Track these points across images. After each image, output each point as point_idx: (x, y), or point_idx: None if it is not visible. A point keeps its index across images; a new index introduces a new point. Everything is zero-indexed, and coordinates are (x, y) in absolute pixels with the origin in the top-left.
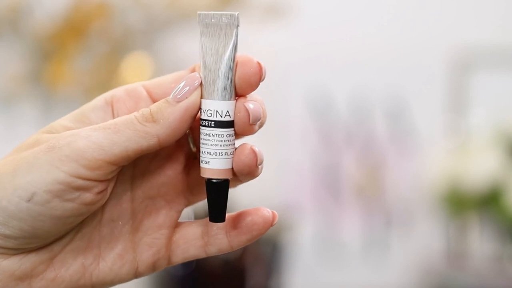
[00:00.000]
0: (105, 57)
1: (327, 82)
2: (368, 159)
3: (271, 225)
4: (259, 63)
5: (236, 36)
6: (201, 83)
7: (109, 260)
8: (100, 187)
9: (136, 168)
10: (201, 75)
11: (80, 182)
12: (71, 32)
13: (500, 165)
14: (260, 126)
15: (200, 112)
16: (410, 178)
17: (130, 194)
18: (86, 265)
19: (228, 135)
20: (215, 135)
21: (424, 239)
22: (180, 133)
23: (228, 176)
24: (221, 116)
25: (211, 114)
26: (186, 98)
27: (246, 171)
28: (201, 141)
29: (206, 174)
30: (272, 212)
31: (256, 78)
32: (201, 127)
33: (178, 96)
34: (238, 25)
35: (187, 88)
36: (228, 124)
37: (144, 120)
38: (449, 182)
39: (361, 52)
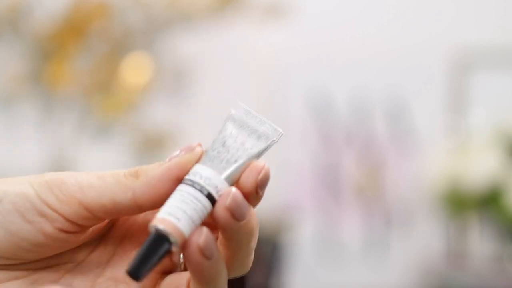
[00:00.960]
0: (105, 57)
1: (327, 82)
2: (368, 159)
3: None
4: (263, 165)
5: (268, 148)
6: (201, 152)
7: None
8: (65, 225)
9: (119, 248)
10: (210, 148)
11: (46, 209)
12: (71, 32)
13: (500, 165)
14: (242, 232)
15: (193, 174)
16: (410, 178)
17: (101, 271)
18: None
19: (208, 212)
20: (201, 203)
21: (424, 239)
22: (158, 194)
23: (181, 244)
24: (216, 194)
25: (209, 184)
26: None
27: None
28: (181, 197)
29: (166, 226)
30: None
31: (254, 176)
32: (188, 186)
33: (167, 159)
34: (275, 141)
35: (179, 152)
36: (213, 204)
37: (129, 174)
38: (449, 182)
39: (361, 52)
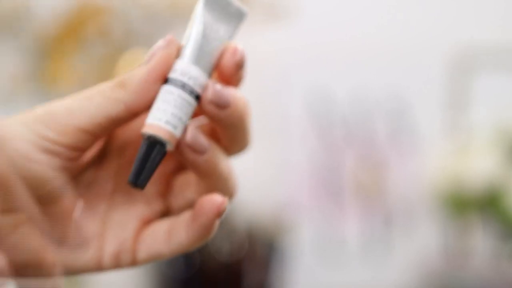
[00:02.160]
0: (105, 57)
1: (327, 82)
2: (368, 159)
3: (219, 209)
4: (236, 47)
5: (238, 28)
6: (179, 45)
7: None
8: (69, 154)
9: (123, 159)
10: (192, 40)
11: (47, 144)
12: (71, 32)
13: (500, 165)
14: (232, 119)
15: (181, 74)
16: (411, 178)
17: (113, 184)
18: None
19: (193, 108)
20: (191, 105)
21: (424, 239)
22: (148, 97)
23: (173, 145)
24: (201, 90)
25: (195, 84)
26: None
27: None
28: (174, 102)
29: (154, 131)
30: (223, 198)
31: (233, 60)
32: (177, 88)
33: (145, 58)
34: (242, 21)
35: (156, 49)
36: (199, 99)
37: (114, 86)
38: (449, 182)
39: (361, 52)
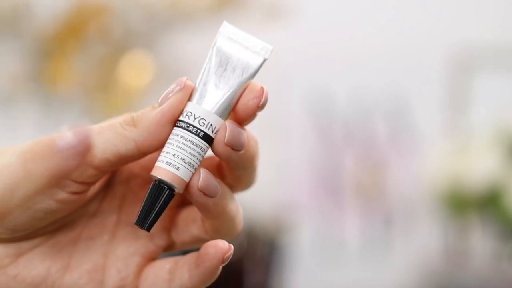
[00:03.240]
0: (105, 57)
1: (327, 82)
2: (368, 158)
3: (224, 256)
4: (262, 88)
5: (260, 67)
6: (193, 88)
7: (76, 273)
8: (75, 187)
9: (128, 190)
10: (202, 81)
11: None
12: (71, 32)
13: (500, 165)
14: (243, 161)
15: (187, 115)
16: (410, 178)
17: (116, 216)
18: (51, 271)
19: (205, 152)
20: (198, 146)
21: (424, 239)
22: (159, 139)
23: (182, 189)
24: (212, 132)
25: (204, 124)
26: (166, 102)
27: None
28: (177, 143)
29: (165, 177)
30: (229, 245)
31: (255, 102)
32: (182, 130)
33: (159, 101)
34: (266, 59)
35: (170, 92)
36: (212, 142)
37: (126, 124)
38: (449, 182)
39: (361, 52)
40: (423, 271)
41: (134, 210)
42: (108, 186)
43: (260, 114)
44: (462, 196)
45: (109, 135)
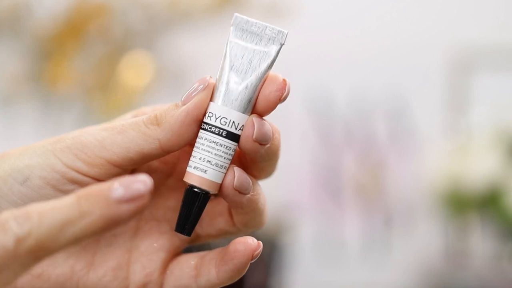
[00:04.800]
0: (105, 57)
1: (327, 82)
2: (368, 159)
3: (254, 254)
4: (284, 80)
5: (278, 54)
6: (213, 86)
7: (101, 271)
8: None
9: None
10: (221, 79)
11: (76, 175)
12: (71, 32)
13: (500, 165)
14: (268, 153)
15: (209, 116)
16: (410, 178)
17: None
18: (75, 269)
19: (233, 149)
20: (223, 146)
21: (424, 239)
22: (183, 138)
23: (216, 190)
24: (235, 129)
25: (225, 123)
26: (191, 100)
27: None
28: (201, 146)
29: (194, 182)
30: (258, 242)
31: (277, 95)
32: (205, 132)
33: (182, 99)
34: (283, 44)
35: (194, 90)
36: (237, 138)
37: (149, 123)
38: (449, 182)
39: (361, 51)
40: (423, 271)
41: (156, 205)
42: None
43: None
44: (462, 196)
45: (133, 134)
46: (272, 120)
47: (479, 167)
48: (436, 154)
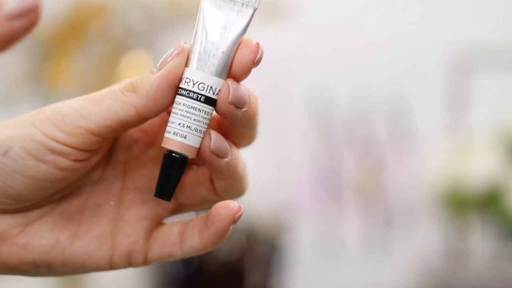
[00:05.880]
0: (105, 57)
1: (327, 82)
2: (368, 159)
3: (235, 216)
4: (258, 44)
5: (251, 18)
6: (188, 52)
7: (85, 240)
8: (78, 155)
9: (130, 157)
10: (196, 44)
11: (56, 145)
12: (71, 32)
13: (500, 165)
14: (246, 117)
15: (186, 82)
16: (410, 178)
17: (121, 182)
18: (60, 239)
19: (211, 114)
20: (201, 111)
21: (424, 239)
22: (159, 104)
23: (194, 154)
24: (213, 93)
25: (203, 88)
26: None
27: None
28: (180, 111)
29: (174, 147)
30: (239, 205)
31: (250, 58)
32: (183, 97)
33: (158, 65)
34: (256, 8)
35: (169, 55)
36: (214, 103)
37: (125, 90)
38: (449, 182)
39: (361, 51)
40: (423, 271)
41: (138, 175)
42: (110, 153)
43: (260, 114)
44: (462, 196)
45: (110, 102)
46: (273, 120)
47: (479, 167)
48: (436, 154)
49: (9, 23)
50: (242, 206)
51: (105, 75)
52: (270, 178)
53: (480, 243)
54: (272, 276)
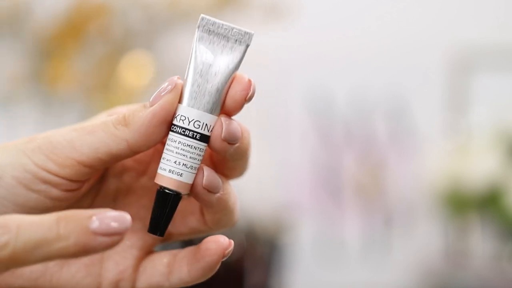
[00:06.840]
0: (105, 57)
1: (327, 82)
2: (368, 159)
3: (225, 252)
4: (249, 80)
5: (244, 54)
6: (182, 87)
7: (74, 267)
8: (69, 185)
9: (121, 184)
10: (189, 81)
11: (48, 176)
12: (71, 32)
13: (500, 165)
14: (238, 152)
15: (181, 119)
16: (410, 178)
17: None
18: (49, 266)
19: (204, 151)
20: (197, 148)
21: (424, 239)
22: (151, 139)
23: (188, 191)
24: (208, 131)
25: (199, 126)
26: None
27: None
28: (175, 149)
29: (170, 185)
30: (229, 240)
31: (242, 94)
32: (178, 135)
33: (151, 99)
34: (249, 45)
35: (162, 90)
36: (208, 139)
37: (117, 123)
38: (449, 182)
39: (361, 51)
40: (423, 271)
41: (128, 203)
42: (101, 181)
43: (260, 114)
44: (462, 196)
45: (102, 134)
46: (273, 120)
47: (479, 167)
48: (436, 154)
49: (93, 236)
50: (232, 241)
51: (105, 75)
52: (270, 178)
53: (480, 243)
54: (272, 276)
